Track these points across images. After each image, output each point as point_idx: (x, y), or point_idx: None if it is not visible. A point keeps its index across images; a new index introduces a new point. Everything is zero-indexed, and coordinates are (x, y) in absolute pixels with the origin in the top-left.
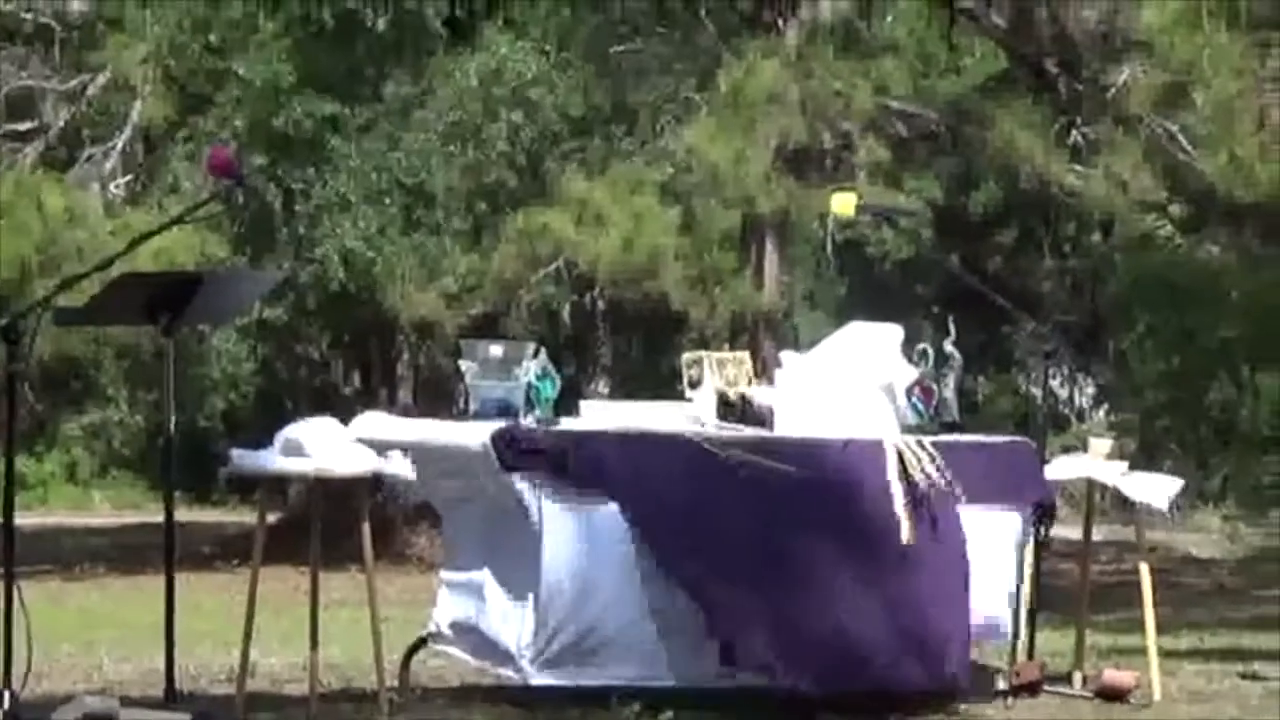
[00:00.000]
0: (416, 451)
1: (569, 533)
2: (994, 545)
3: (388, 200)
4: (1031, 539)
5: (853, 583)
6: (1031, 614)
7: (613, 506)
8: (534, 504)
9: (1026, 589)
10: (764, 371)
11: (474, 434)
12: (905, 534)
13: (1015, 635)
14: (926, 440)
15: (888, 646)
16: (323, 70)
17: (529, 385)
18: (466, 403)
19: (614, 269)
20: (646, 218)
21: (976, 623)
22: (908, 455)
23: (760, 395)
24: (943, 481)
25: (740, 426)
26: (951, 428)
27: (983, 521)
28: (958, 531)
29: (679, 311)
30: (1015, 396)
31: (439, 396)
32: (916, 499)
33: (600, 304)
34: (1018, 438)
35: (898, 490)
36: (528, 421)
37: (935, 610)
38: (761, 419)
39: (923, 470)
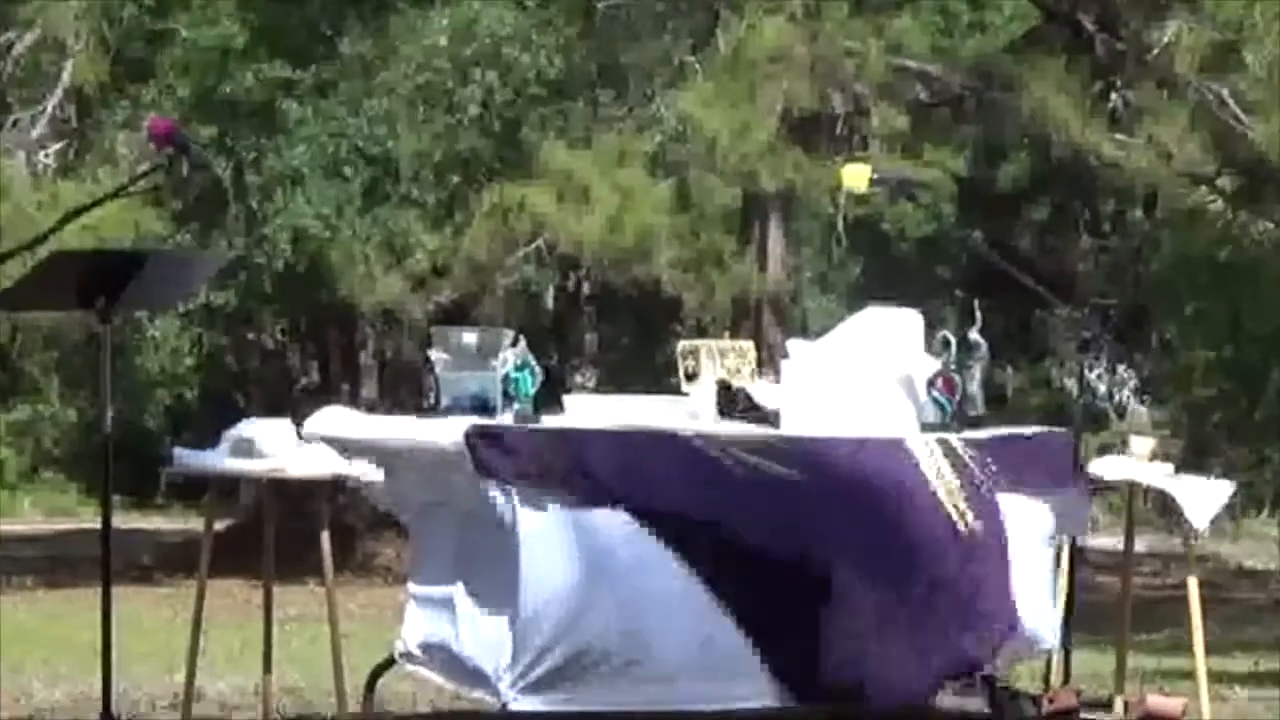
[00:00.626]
0: (381, 451)
1: (552, 542)
2: (1026, 543)
3: (347, 172)
4: (1066, 541)
5: (871, 599)
6: (1066, 632)
7: (599, 512)
8: (513, 510)
9: (1061, 598)
10: (769, 362)
11: (446, 432)
12: (957, 523)
13: (1049, 652)
14: (950, 437)
15: (918, 657)
16: (274, 29)
17: (507, 377)
18: (437, 397)
19: (600, 249)
20: (636, 193)
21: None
22: (929, 454)
23: (765, 389)
24: (973, 481)
25: (742, 423)
26: (976, 423)
27: (1015, 517)
28: (998, 529)
29: (673, 296)
30: (1048, 390)
31: (406, 390)
32: (938, 502)
33: (585, 287)
34: (1048, 428)
35: (927, 491)
36: (505, 418)
37: (967, 622)
38: (766, 415)
39: (944, 468)
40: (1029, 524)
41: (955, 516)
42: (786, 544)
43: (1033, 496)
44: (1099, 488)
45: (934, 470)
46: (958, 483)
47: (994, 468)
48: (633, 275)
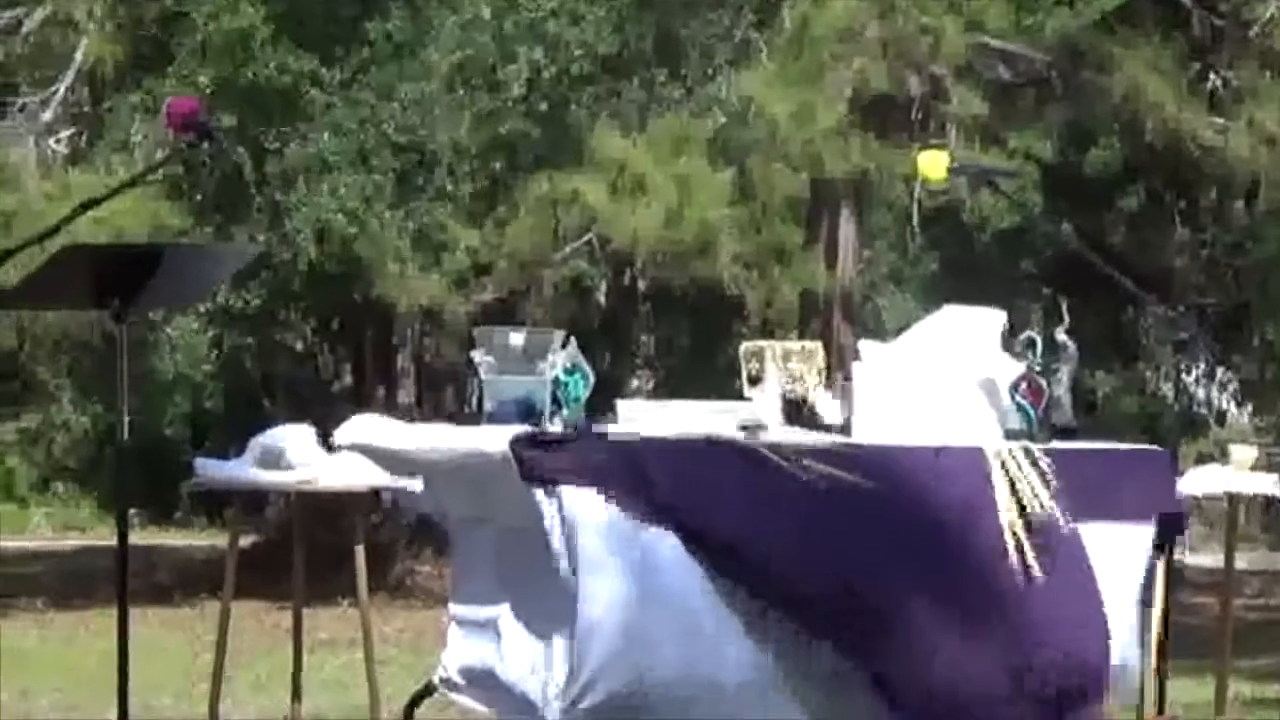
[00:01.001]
0: (420, 462)
1: (607, 560)
2: (1116, 572)
3: (375, 161)
4: (1161, 565)
5: (959, 618)
6: (1162, 657)
7: (658, 530)
8: (563, 525)
9: (1156, 626)
10: (839, 365)
11: (490, 440)
12: (1021, 556)
13: (1143, 683)
14: (1036, 448)
15: (998, 695)
16: (300, 15)
17: (555, 381)
18: (480, 403)
19: (656, 244)
20: (695, 182)
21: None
22: (1012, 466)
23: (834, 394)
24: (1056, 499)
25: (809, 431)
26: (1065, 433)
27: (1103, 544)
28: (1082, 555)
29: (735, 295)
30: (1142, 395)
31: (447, 395)
32: (1028, 520)
33: (640, 285)
34: (1148, 446)
35: (1005, 509)
36: (554, 425)
37: (1056, 647)
38: (835, 423)
39: (1031, 486)
40: (1115, 557)
41: (1015, 556)
42: (856, 563)
43: (1122, 522)
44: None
45: (1006, 493)
46: (1036, 507)
47: (1079, 490)
48: (692, 272)
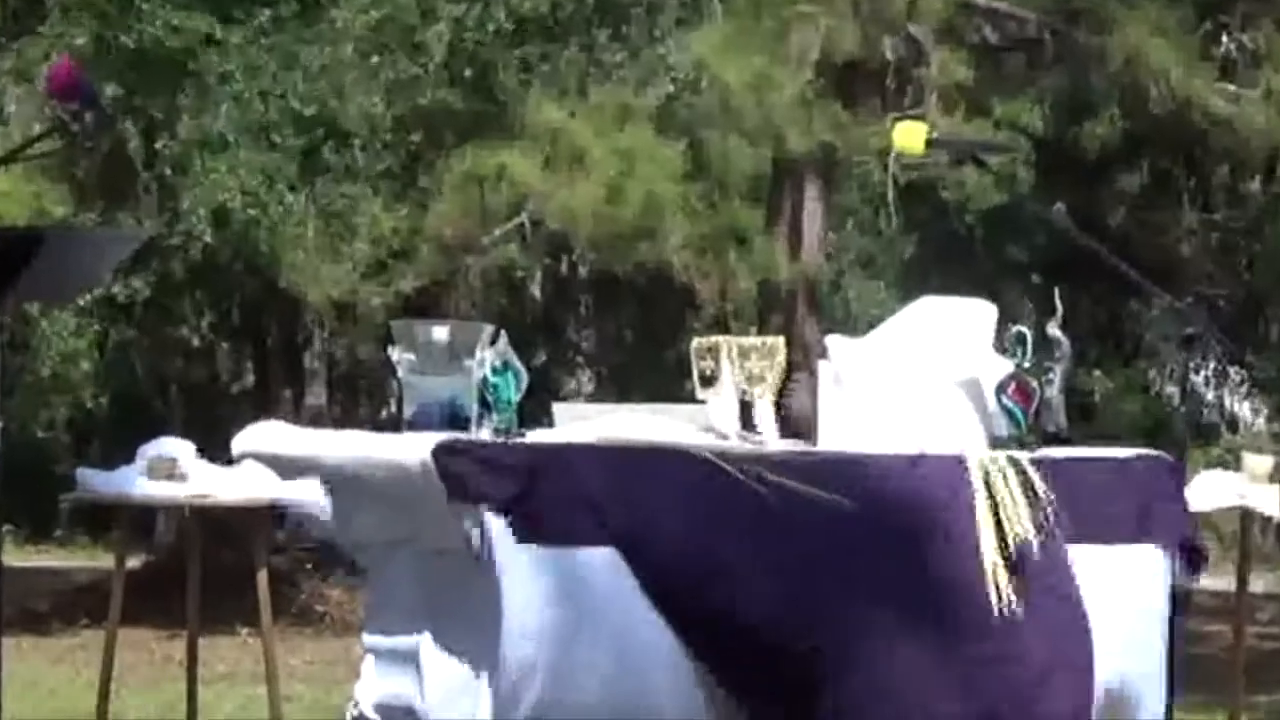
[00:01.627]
0: (330, 474)
1: (539, 584)
2: (1116, 597)
3: (278, 136)
4: (1168, 589)
5: (928, 654)
6: (1169, 690)
7: (597, 550)
8: (491, 545)
9: (1161, 656)
10: (804, 363)
11: (409, 449)
12: (997, 588)
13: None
14: (1025, 457)
15: None
16: None
17: (484, 382)
18: (399, 406)
19: (597, 226)
20: (641, 157)
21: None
22: (997, 479)
23: (797, 396)
24: (1045, 516)
25: (768, 438)
26: (1057, 440)
27: (1102, 566)
28: (1070, 582)
29: (686, 284)
30: (1144, 397)
31: (361, 398)
32: (1009, 541)
33: (580, 272)
34: (1151, 451)
35: (986, 527)
36: (482, 432)
37: (1042, 689)
38: (799, 428)
39: (1015, 501)
40: (1116, 580)
41: (992, 584)
42: (820, 588)
43: (1121, 542)
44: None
45: (986, 510)
46: (1019, 526)
47: (1073, 504)
48: (637, 257)
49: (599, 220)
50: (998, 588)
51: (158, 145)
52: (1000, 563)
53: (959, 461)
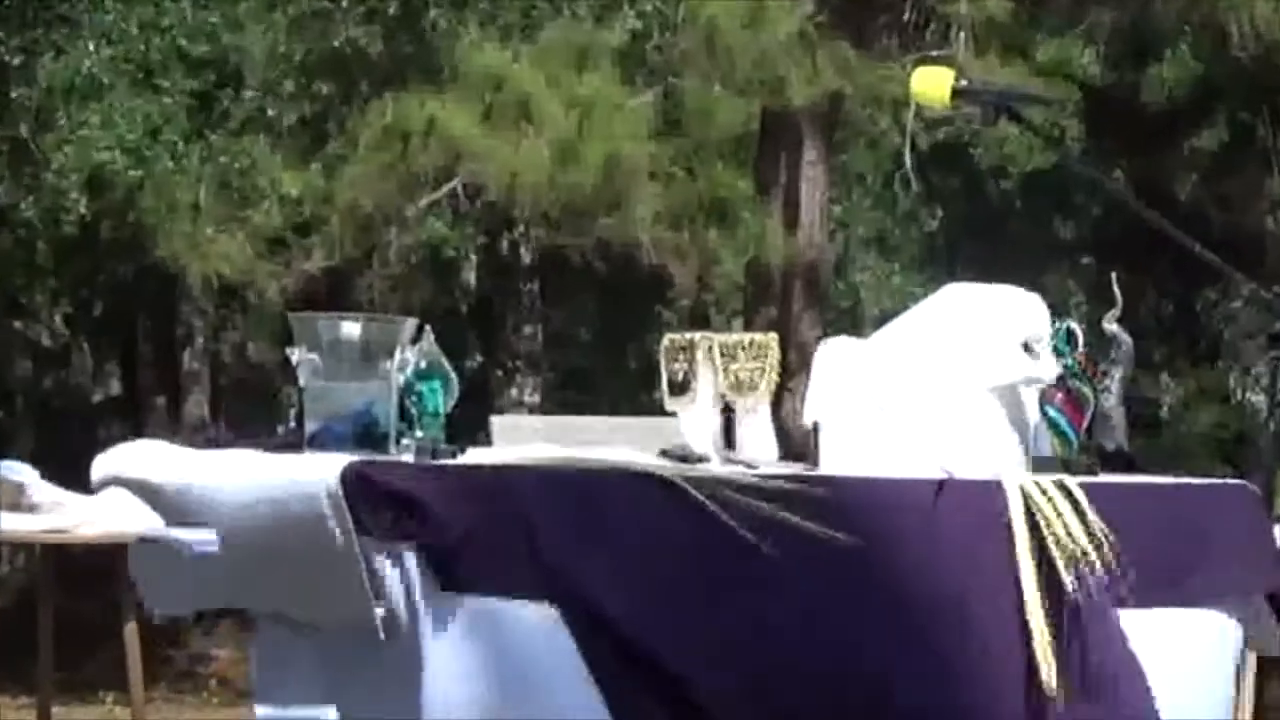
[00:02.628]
0: (213, 506)
1: (468, 646)
2: (1186, 664)
3: (163, 80)
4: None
5: None
6: None
7: (537, 606)
8: (411, 597)
9: None
10: (801, 365)
11: (312, 473)
12: (1042, 649)
13: None
14: (1077, 484)
15: None
16: None
17: (406, 389)
18: (299, 420)
19: (547, 195)
20: (601, 110)
21: None
22: (1044, 509)
23: (795, 406)
24: (1105, 562)
25: (757, 460)
26: (1116, 461)
27: (1169, 627)
28: (1122, 644)
29: (657, 267)
30: (1223, 407)
31: (252, 409)
32: (1059, 591)
33: (524, 252)
34: (1235, 481)
35: (1029, 571)
36: (403, 452)
37: None
38: (796, 447)
39: (1067, 540)
40: (1183, 636)
41: (1039, 650)
42: (822, 647)
43: (1195, 589)
44: None
45: (1028, 551)
46: (1072, 571)
47: (1139, 544)
48: (596, 234)
49: (549, 188)
50: (1043, 648)
51: (13, 93)
52: (1045, 617)
53: (995, 488)
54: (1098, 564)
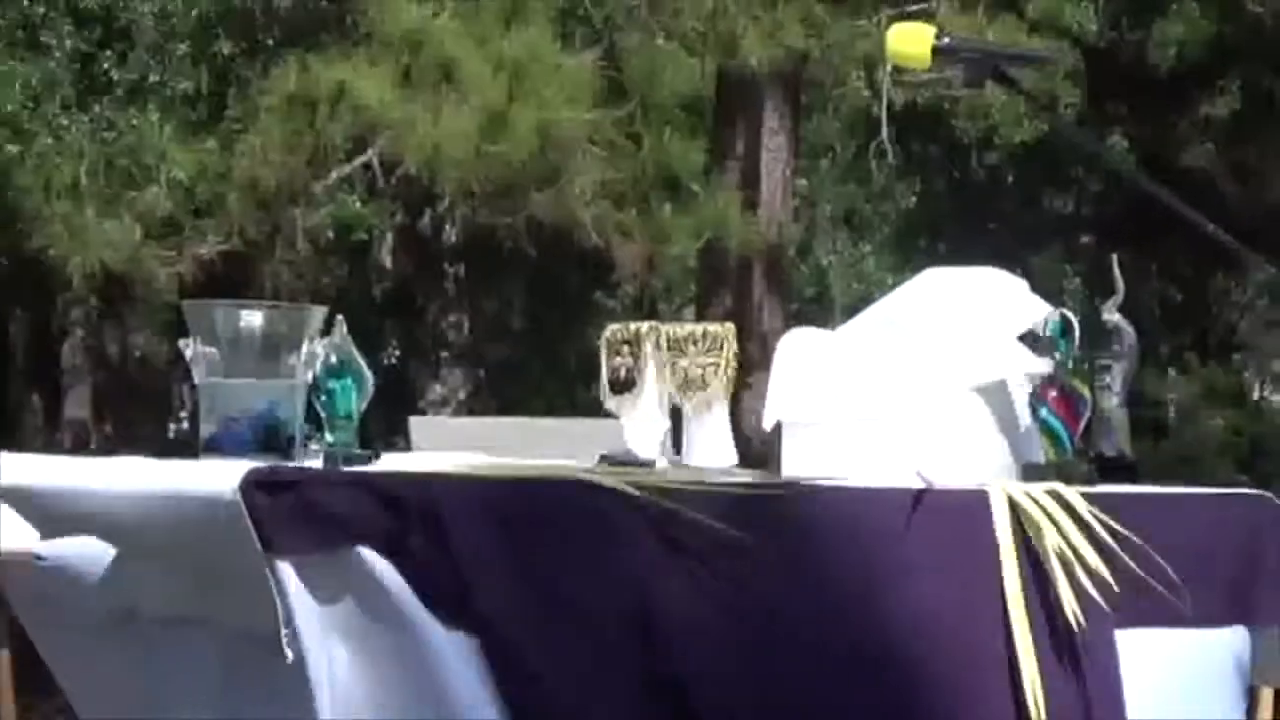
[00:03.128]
0: (94, 519)
1: (378, 676)
2: (1191, 694)
3: (51, 38)
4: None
5: None
6: None
7: (455, 634)
8: (317, 623)
9: None
10: (763, 360)
11: (206, 483)
12: (1031, 683)
13: None
14: (1073, 493)
15: None
16: None
17: (314, 387)
18: (193, 422)
19: (472, 169)
20: (534, 71)
21: None
22: (1038, 519)
23: (754, 406)
24: (1105, 582)
25: (711, 467)
26: (1117, 468)
27: (1171, 652)
28: (1114, 676)
29: (597, 248)
30: (1237, 409)
31: (140, 410)
32: (1052, 610)
33: (449, 234)
34: (1253, 491)
35: (1015, 591)
36: (311, 458)
37: None
38: (755, 453)
39: (1066, 555)
40: (1190, 672)
41: (1026, 680)
42: (785, 685)
43: (1206, 613)
44: None
45: (1015, 568)
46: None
47: (1145, 562)
48: (529, 212)
49: (475, 160)
50: (1031, 680)
51: None
52: (1035, 645)
53: (979, 498)
54: (1097, 584)
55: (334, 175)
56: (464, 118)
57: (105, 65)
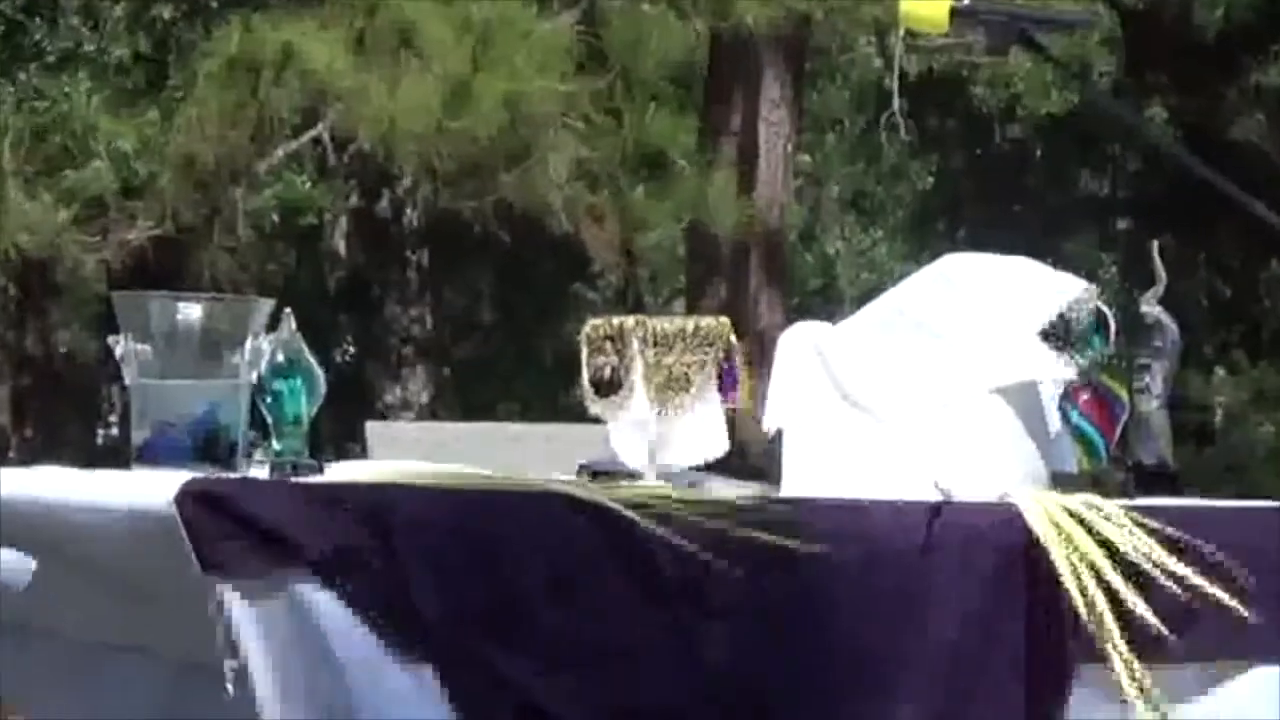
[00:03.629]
0: (19, 534)
1: (328, 705)
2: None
3: None
4: None
5: None
6: None
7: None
8: (264, 649)
9: None
10: (761, 357)
11: (138, 495)
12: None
13: None
14: (1111, 507)
15: None
16: None
17: (260, 388)
18: (125, 427)
19: (435, 144)
20: (503, 36)
21: None
22: (1072, 536)
23: (755, 410)
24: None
25: (708, 477)
26: (1157, 478)
27: (1226, 687)
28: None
29: (573, 234)
30: None
31: (68, 412)
32: (1091, 644)
33: (409, 218)
34: None
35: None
36: (256, 467)
37: None
38: (755, 461)
39: (1108, 575)
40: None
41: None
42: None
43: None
44: None
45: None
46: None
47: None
48: (498, 193)
49: (436, 136)
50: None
51: None
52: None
53: (1006, 512)
54: (1147, 609)
55: (280, 152)
56: (424, 88)
57: (33, 32)
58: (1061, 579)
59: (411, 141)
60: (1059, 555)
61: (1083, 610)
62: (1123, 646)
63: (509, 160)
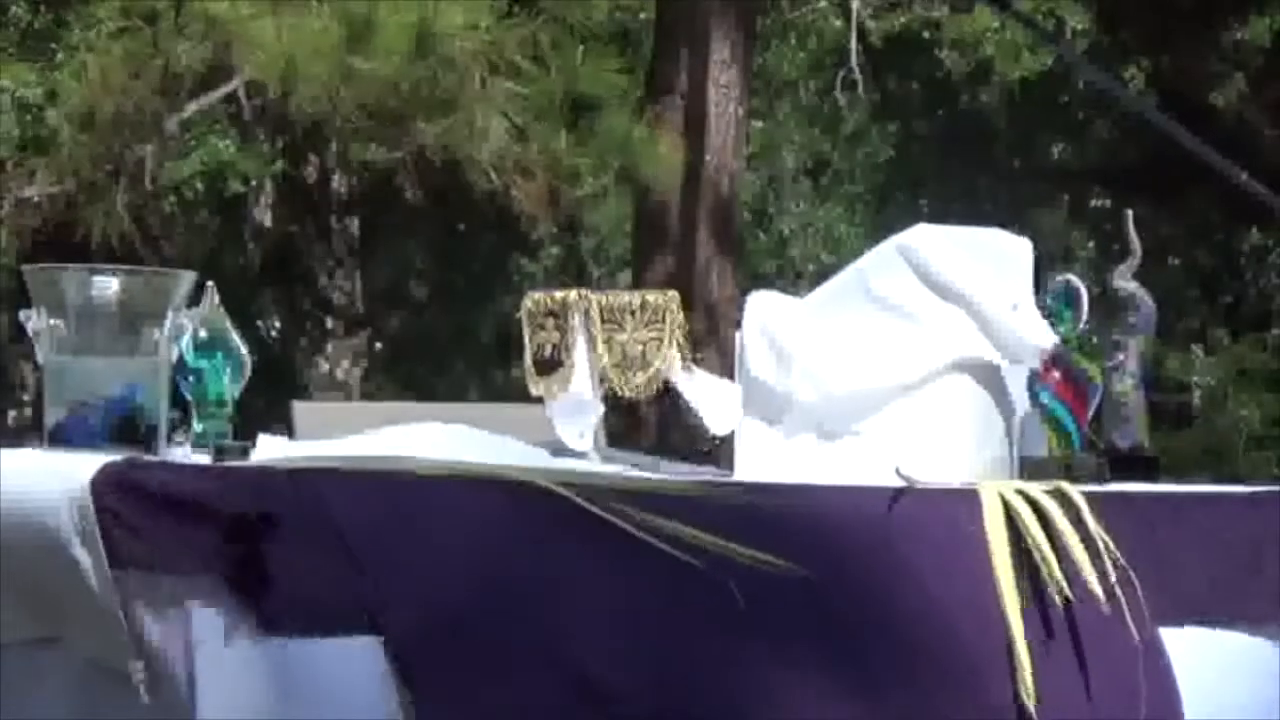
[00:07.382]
0: None
1: (257, 703)
2: (1224, 700)
3: None
4: None
5: None
6: None
7: (358, 641)
8: (185, 644)
9: None
10: (711, 333)
11: (50, 480)
12: (1027, 690)
13: None
14: (1079, 492)
15: None
16: None
17: (180, 366)
18: (38, 407)
19: (335, 89)
20: None
21: None
22: (1032, 526)
23: (700, 386)
24: (1116, 586)
25: (653, 461)
26: (1132, 462)
27: (1201, 655)
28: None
29: (511, 202)
30: (1274, 396)
31: None
32: (1050, 620)
33: (336, 182)
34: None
35: (1013, 603)
36: (176, 450)
37: None
38: (705, 444)
39: (1064, 559)
40: (1221, 674)
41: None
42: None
43: (1233, 620)
44: None
45: (1011, 577)
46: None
47: (1162, 568)
48: (427, 156)
49: (339, 80)
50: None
51: None
52: (1034, 669)
53: (968, 497)
54: (1103, 594)
55: (193, 106)
56: (323, 24)
57: None
58: (1022, 563)
59: (311, 85)
60: (999, 547)
61: (1028, 600)
62: (1074, 622)
63: (439, 118)
